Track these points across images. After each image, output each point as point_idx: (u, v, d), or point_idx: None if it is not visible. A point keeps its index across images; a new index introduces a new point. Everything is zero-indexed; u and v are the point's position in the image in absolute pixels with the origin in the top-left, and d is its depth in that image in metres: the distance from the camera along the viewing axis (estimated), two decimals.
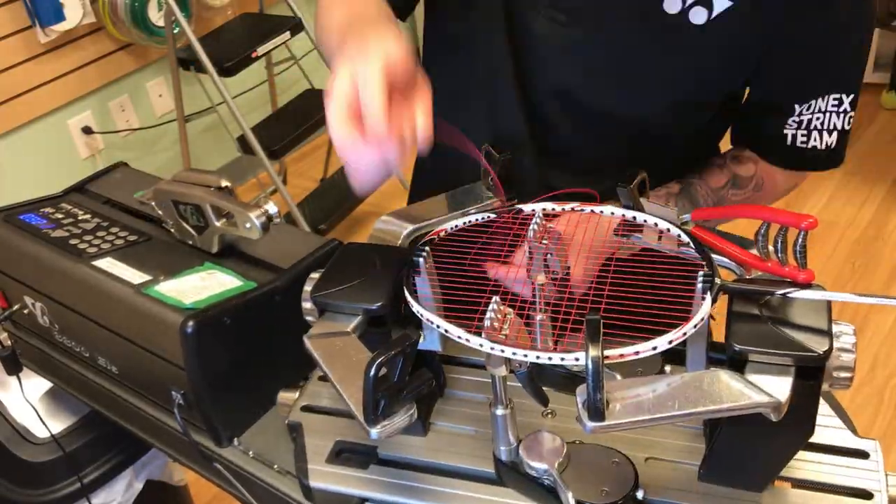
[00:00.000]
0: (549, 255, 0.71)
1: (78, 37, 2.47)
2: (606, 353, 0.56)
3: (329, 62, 0.76)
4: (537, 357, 0.59)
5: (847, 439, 0.74)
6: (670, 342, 0.58)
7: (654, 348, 0.58)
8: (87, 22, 2.43)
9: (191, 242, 0.96)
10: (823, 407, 0.75)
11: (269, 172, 2.41)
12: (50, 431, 1.10)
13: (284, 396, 0.86)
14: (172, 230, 0.97)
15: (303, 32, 2.50)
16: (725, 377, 0.59)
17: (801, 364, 0.59)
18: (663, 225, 0.73)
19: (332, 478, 0.76)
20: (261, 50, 2.40)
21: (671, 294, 0.64)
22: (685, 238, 0.71)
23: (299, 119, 2.56)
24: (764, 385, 0.58)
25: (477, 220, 0.78)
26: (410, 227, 0.82)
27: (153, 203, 0.97)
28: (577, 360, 0.57)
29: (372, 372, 0.58)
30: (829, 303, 0.62)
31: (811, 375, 0.60)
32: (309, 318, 0.75)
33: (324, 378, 0.87)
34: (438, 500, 0.72)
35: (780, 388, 0.58)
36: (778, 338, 0.60)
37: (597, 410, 0.55)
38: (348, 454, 0.79)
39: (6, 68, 2.33)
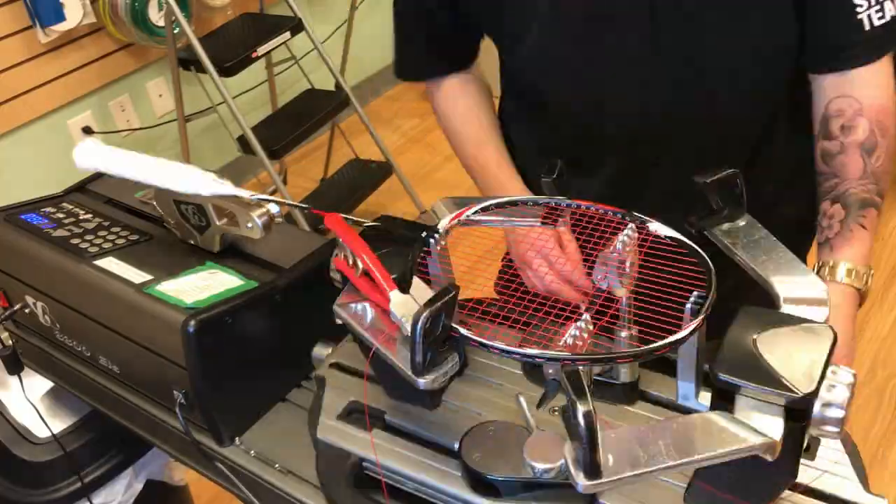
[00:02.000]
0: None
1: (78, 37, 2.47)
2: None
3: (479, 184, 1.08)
4: (523, 355, 0.60)
5: (855, 493, 0.70)
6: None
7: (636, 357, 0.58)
8: (87, 22, 2.43)
9: (192, 242, 0.96)
10: (840, 454, 0.72)
11: (269, 172, 2.41)
12: (51, 431, 1.10)
13: (319, 350, 0.90)
14: (174, 230, 0.97)
15: (303, 32, 2.50)
16: (718, 420, 0.57)
17: (787, 404, 0.56)
18: (664, 231, 0.73)
19: (336, 433, 0.78)
20: (261, 50, 2.40)
21: (673, 299, 0.64)
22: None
23: (299, 119, 2.56)
24: (756, 423, 0.56)
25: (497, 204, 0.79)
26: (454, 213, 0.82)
27: (154, 202, 0.97)
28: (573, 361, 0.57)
29: (419, 326, 0.59)
30: (832, 346, 0.59)
31: (794, 417, 0.57)
32: (338, 286, 0.78)
33: (356, 339, 0.88)
34: (432, 476, 0.72)
35: (771, 426, 0.55)
36: (761, 372, 0.57)
37: (594, 468, 0.53)
38: (359, 414, 0.80)
39: (6, 68, 2.33)
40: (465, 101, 1.10)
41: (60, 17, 2.36)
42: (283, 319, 0.89)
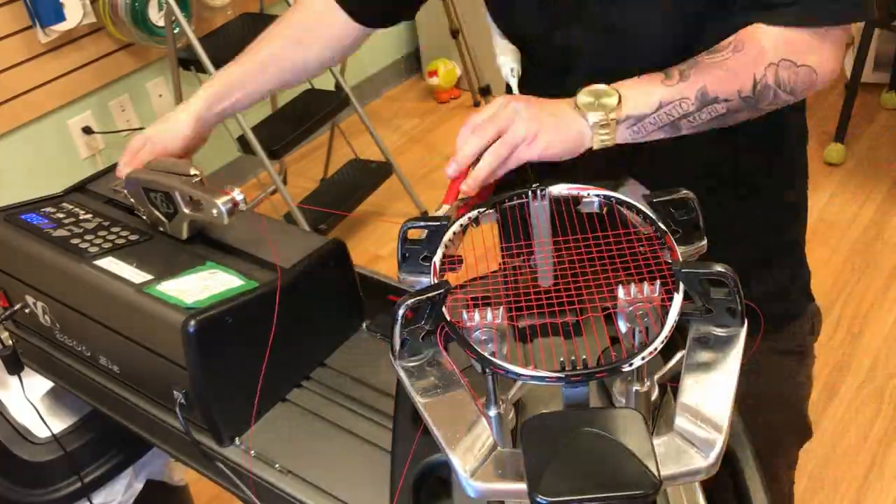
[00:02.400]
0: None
1: (78, 37, 2.47)
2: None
3: None
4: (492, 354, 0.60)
5: None
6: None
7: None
8: (87, 22, 2.43)
9: (162, 229, 0.98)
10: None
11: (269, 172, 2.41)
12: (51, 431, 1.10)
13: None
14: (144, 217, 1.00)
15: None
16: None
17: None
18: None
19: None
20: None
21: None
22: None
23: (299, 119, 2.55)
24: None
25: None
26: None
27: (125, 192, 1.00)
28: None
29: (400, 312, 0.61)
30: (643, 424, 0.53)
31: None
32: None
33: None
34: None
35: None
36: (590, 478, 0.49)
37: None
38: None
39: (6, 68, 2.33)
40: (285, 30, 1.07)
41: (60, 17, 2.36)
42: (283, 319, 0.89)
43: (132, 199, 1.00)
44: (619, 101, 0.81)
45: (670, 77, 0.83)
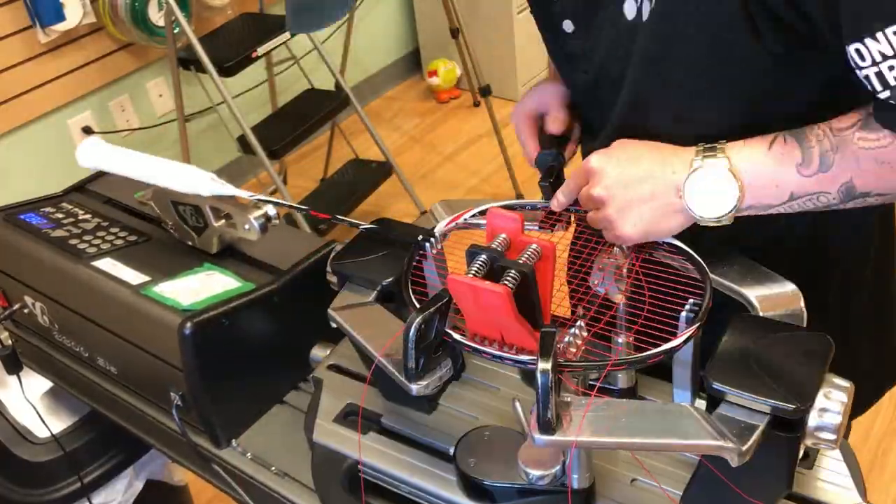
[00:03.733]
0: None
1: (78, 37, 2.47)
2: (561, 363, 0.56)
3: None
4: (495, 356, 0.60)
5: (853, 501, 0.69)
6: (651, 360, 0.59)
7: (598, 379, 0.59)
8: (87, 22, 2.43)
9: (190, 243, 0.96)
10: (838, 463, 0.71)
11: (269, 172, 2.41)
12: (50, 431, 1.11)
13: (317, 352, 0.90)
14: (172, 231, 0.97)
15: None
16: (691, 413, 0.57)
17: (777, 414, 0.56)
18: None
19: (333, 436, 0.78)
20: (261, 50, 2.40)
21: (667, 306, 0.64)
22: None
23: (299, 119, 2.55)
24: (732, 428, 0.55)
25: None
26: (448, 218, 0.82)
27: (152, 203, 0.97)
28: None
29: (413, 330, 0.59)
30: (828, 355, 0.58)
31: (788, 428, 0.56)
32: (333, 287, 0.79)
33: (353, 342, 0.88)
34: (427, 480, 0.72)
35: (745, 434, 0.55)
36: (756, 381, 0.56)
37: (546, 424, 0.55)
38: (355, 417, 0.81)
39: (6, 68, 2.33)
40: None
41: (60, 17, 2.36)
42: (280, 322, 0.89)
43: (159, 212, 0.97)
44: (741, 194, 0.67)
45: (808, 162, 0.66)
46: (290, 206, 0.85)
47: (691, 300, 0.64)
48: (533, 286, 0.61)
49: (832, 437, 0.56)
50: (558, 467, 0.66)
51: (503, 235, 0.66)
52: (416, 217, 0.86)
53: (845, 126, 0.66)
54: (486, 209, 0.78)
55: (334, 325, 0.74)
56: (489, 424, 0.75)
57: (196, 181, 0.86)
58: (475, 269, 0.63)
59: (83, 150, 0.94)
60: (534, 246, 0.64)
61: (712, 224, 0.68)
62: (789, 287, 0.69)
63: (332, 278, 0.79)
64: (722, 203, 0.67)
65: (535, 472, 0.66)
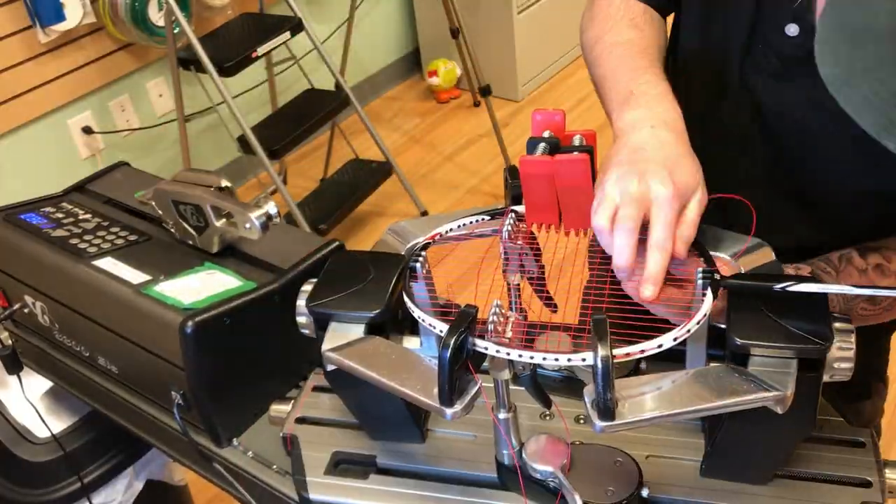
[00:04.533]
0: (524, 255, 0.72)
1: (78, 37, 2.47)
2: (614, 352, 0.56)
3: (606, 105, 0.79)
4: (544, 358, 0.59)
5: (842, 430, 0.74)
6: (675, 339, 0.59)
7: (660, 346, 0.58)
8: (87, 22, 2.43)
9: (191, 242, 0.96)
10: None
11: (269, 172, 2.41)
12: (50, 431, 1.10)
13: (277, 409, 0.86)
14: (173, 230, 0.97)
15: (303, 32, 2.50)
16: (731, 372, 0.59)
17: (803, 356, 0.59)
18: None
19: (332, 490, 0.75)
20: (261, 50, 2.40)
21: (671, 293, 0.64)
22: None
23: (299, 119, 2.55)
24: (768, 378, 0.58)
25: (472, 222, 0.78)
26: (417, 239, 0.80)
27: (153, 203, 0.97)
28: (584, 360, 0.57)
29: (449, 353, 0.57)
30: (826, 296, 0.62)
31: (812, 367, 0.60)
32: (304, 332, 0.74)
33: (320, 388, 0.87)
34: None
35: (783, 380, 0.58)
36: (778, 331, 0.60)
37: (607, 410, 0.55)
38: (346, 465, 0.79)
39: (6, 68, 2.33)
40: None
41: (60, 17, 2.36)
42: (281, 320, 0.89)
43: (160, 212, 0.97)
44: None
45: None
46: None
47: (700, 269, 0.65)
48: (594, 162, 0.67)
49: (849, 365, 0.61)
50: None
51: (548, 132, 0.70)
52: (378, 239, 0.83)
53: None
54: (462, 223, 0.77)
55: (330, 368, 0.70)
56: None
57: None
58: (539, 153, 0.68)
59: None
60: (578, 136, 0.69)
61: None
62: (755, 241, 0.73)
63: (304, 319, 0.73)
64: None
65: (542, 468, 0.67)
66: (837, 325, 0.61)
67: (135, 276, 0.90)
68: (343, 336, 0.70)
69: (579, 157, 0.65)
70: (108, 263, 0.93)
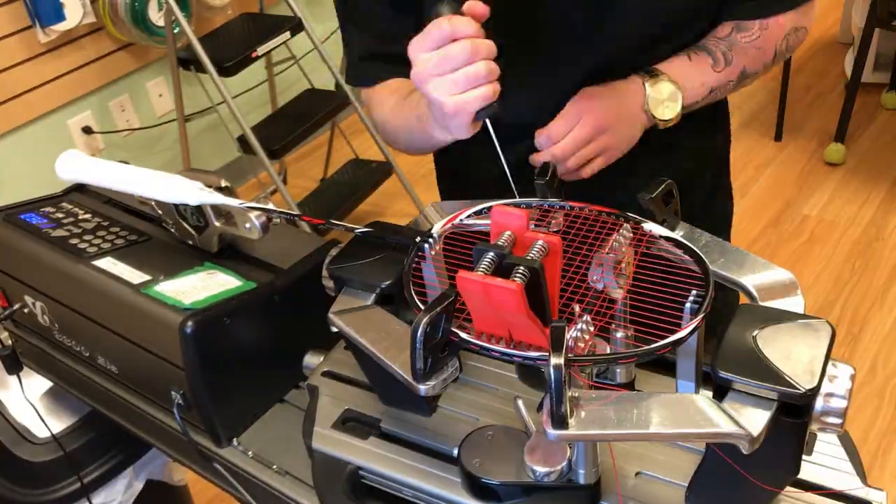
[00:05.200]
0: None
1: (78, 37, 2.47)
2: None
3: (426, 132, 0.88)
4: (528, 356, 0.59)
5: (853, 486, 0.71)
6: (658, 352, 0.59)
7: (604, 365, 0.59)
8: (87, 22, 2.43)
9: (191, 242, 0.96)
10: (837, 449, 0.72)
11: (269, 172, 2.41)
12: (50, 431, 1.10)
13: (310, 360, 0.90)
14: (173, 230, 0.97)
15: (303, 32, 2.50)
16: (700, 403, 0.57)
17: (784, 400, 0.57)
18: (660, 231, 0.72)
19: (332, 443, 0.78)
20: (261, 50, 2.40)
21: (668, 299, 0.64)
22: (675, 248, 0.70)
23: (299, 119, 2.56)
24: (741, 416, 0.56)
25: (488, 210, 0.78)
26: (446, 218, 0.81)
27: (153, 203, 0.97)
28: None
29: (420, 330, 0.58)
30: (831, 341, 0.59)
31: (795, 413, 0.57)
32: (330, 293, 0.79)
33: (349, 347, 0.86)
34: (429, 482, 0.72)
35: (755, 420, 0.56)
36: (763, 369, 0.57)
37: (560, 419, 0.55)
38: (354, 423, 0.80)
39: (6, 68, 2.33)
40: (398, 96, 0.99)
41: (60, 17, 2.36)
42: (281, 320, 0.89)
43: (160, 211, 0.97)
44: (683, 94, 0.90)
45: (717, 63, 0.92)
46: (283, 213, 0.83)
47: (695, 291, 0.64)
48: (543, 282, 0.61)
49: (839, 420, 0.57)
50: (564, 463, 0.66)
51: (508, 233, 0.66)
52: (410, 220, 0.84)
53: (727, 33, 0.94)
54: (484, 209, 0.78)
55: (334, 330, 0.74)
56: (491, 424, 0.75)
57: (183, 192, 0.85)
58: (483, 266, 0.62)
59: (62, 162, 0.93)
60: (540, 242, 0.63)
61: (668, 125, 0.92)
62: (786, 275, 0.70)
63: (329, 283, 0.79)
64: (674, 106, 0.91)
65: (541, 469, 0.66)
66: (835, 373, 0.58)
67: (135, 276, 0.90)
68: (351, 302, 0.74)
69: (510, 288, 0.57)
70: (108, 263, 0.93)
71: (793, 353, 0.58)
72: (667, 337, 0.60)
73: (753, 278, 0.71)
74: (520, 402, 0.72)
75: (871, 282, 2.44)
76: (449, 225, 0.76)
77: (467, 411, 0.79)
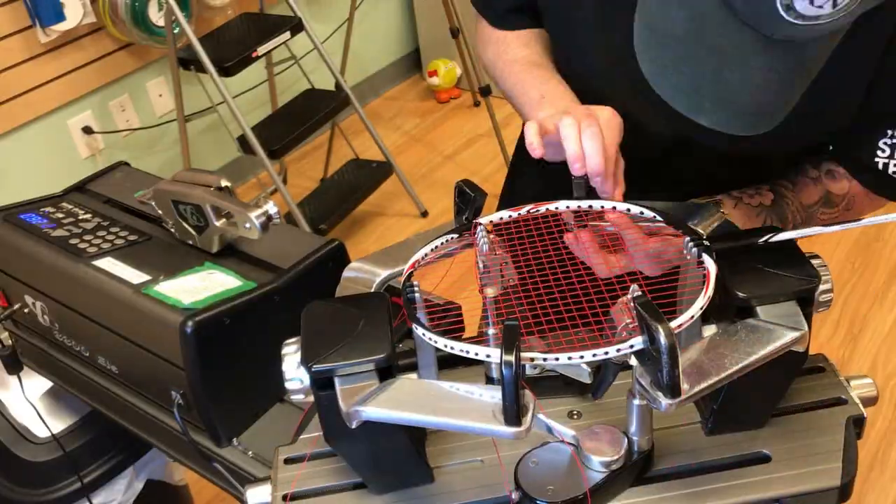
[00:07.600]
0: (504, 265, 0.71)
1: (78, 37, 2.47)
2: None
3: (522, 111, 0.91)
4: (569, 358, 0.57)
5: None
6: (701, 308, 0.61)
7: (692, 317, 0.60)
8: (87, 22, 2.43)
9: (191, 242, 0.96)
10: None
11: (269, 172, 2.41)
12: (50, 431, 1.11)
13: (253, 496, 0.74)
14: (173, 230, 0.97)
15: (303, 32, 2.50)
16: (756, 324, 0.64)
17: (801, 296, 0.66)
18: (628, 207, 0.73)
19: None
20: (261, 50, 2.40)
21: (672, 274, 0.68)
22: (649, 214, 0.72)
23: (299, 119, 2.56)
24: (784, 322, 0.63)
25: (443, 242, 0.73)
26: (384, 273, 0.76)
27: (153, 203, 0.97)
28: (631, 346, 0.58)
29: (513, 369, 0.55)
30: (794, 240, 0.70)
31: (805, 303, 0.66)
32: (297, 398, 0.67)
33: (289, 461, 0.77)
34: None
35: (797, 321, 0.64)
36: (774, 279, 0.66)
37: (675, 387, 0.56)
38: None
39: (6, 68, 2.33)
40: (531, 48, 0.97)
41: (60, 17, 2.36)
42: (281, 320, 0.89)
43: (160, 211, 0.97)
44: None
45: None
46: None
47: (687, 238, 0.67)
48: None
49: (830, 296, 0.70)
50: (625, 442, 0.68)
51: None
52: (408, 226, 0.81)
53: (812, 203, 0.91)
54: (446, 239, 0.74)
55: (356, 423, 0.61)
56: (526, 452, 0.69)
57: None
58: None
59: None
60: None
61: None
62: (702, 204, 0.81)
63: (297, 384, 0.66)
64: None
65: (608, 458, 0.66)
66: (815, 261, 0.69)
67: (135, 276, 0.90)
68: (357, 389, 0.63)
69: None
70: (108, 263, 0.93)
71: (780, 259, 0.68)
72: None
73: (692, 220, 0.81)
74: (542, 416, 0.68)
75: (871, 282, 2.44)
76: (412, 269, 0.71)
77: (464, 457, 0.72)
